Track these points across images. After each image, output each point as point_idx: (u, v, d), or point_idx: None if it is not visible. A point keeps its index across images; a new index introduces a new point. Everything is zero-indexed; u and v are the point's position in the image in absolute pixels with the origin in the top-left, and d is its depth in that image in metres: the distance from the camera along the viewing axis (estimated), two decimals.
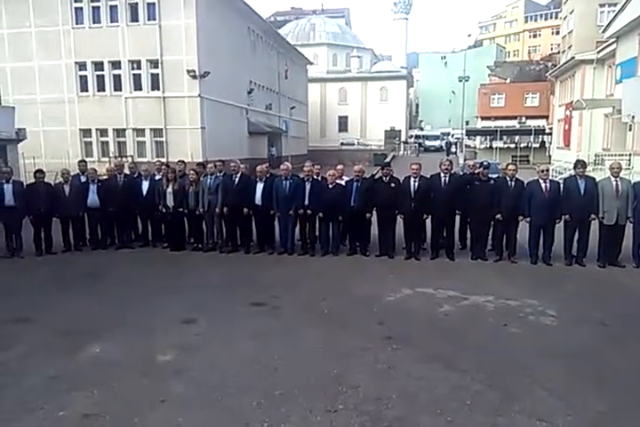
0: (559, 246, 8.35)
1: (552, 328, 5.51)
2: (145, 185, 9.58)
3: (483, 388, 4.14)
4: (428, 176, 8.68)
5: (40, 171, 9.42)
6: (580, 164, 8.36)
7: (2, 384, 4.29)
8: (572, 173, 8.89)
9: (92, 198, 9.32)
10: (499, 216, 8.34)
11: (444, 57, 64.97)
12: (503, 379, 4.31)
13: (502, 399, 3.96)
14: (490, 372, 4.43)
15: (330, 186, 8.87)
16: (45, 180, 9.38)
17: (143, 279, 7.68)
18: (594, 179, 8.33)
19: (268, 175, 9.13)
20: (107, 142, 23.03)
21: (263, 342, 5.15)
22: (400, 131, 51.75)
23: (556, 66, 34.29)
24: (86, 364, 4.68)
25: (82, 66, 22.54)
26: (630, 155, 18.54)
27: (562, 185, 8.43)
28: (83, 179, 9.59)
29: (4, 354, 4.91)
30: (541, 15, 71.49)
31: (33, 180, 9.41)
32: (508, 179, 8.41)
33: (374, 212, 8.85)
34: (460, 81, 41.37)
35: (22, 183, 9.66)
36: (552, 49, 59.36)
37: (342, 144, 45.16)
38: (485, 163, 9.06)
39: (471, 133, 43.33)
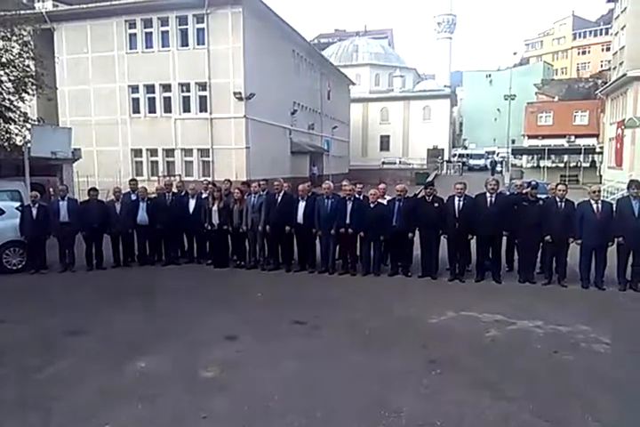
0: (612, 270, 8.00)
1: (605, 356, 5.24)
2: (192, 203, 9.85)
3: (531, 418, 3.97)
4: (473, 196, 8.55)
5: (93, 189, 9.88)
6: (634, 184, 8.03)
7: (55, 395, 4.45)
8: (626, 193, 8.56)
9: (142, 216, 9.65)
10: (548, 238, 8.08)
11: (489, 75, 64.23)
12: (553, 408, 4.12)
13: None
14: (539, 401, 4.24)
15: (371, 205, 8.85)
16: (98, 197, 9.81)
17: (188, 295, 7.84)
18: None
19: (309, 194, 9.22)
20: (156, 162, 23.86)
21: (304, 361, 5.13)
22: (443, 149, 51.19)
23: (606, 83, 33.33)
24: (133, 377, 4.80)
25: (134, 89, 23.59)
26: None
27: (614, 206, 8.11)
28: (133, 197, 9.97)
29: (59, 365, 5.11)
30: (590, 31, 69.94)
31: (87, 197, 9.86)
32: (557, 199, 8.16)
33: (417, 232, 8.76)
34: (506, 99, 40.76)
35: (77, 201, 10.15)
36: (602, 66, 57.87)
37: (384, 163, 45.07)
38: (534, 183, 8.84)
39: (517, 152, 42.37)
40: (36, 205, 9.32)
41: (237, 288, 8.33)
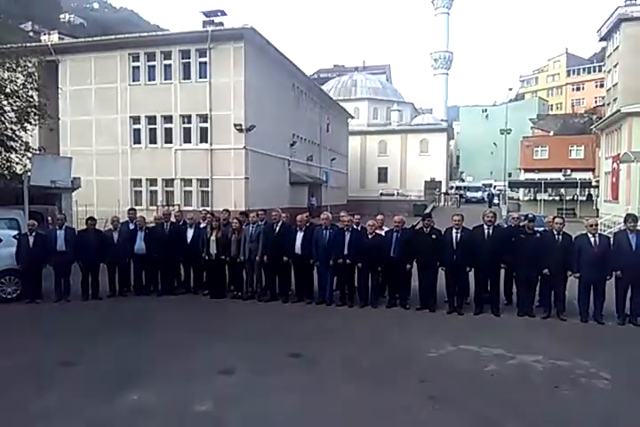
0: (611, 304, 7.94)
1: (606, 392, 5.15)
2: (190, 233, 9.85)
3: None
4: (471, 228, 8.57)
5: (92, 218, 9.88)
6: (630, 218, 8.08)
7: None
8: (622, 227, 8.59)
9: (139, 245, 9.63)
10: (546, 271, 8.06)
11: (485, 110, 65.62)
12: None
13: None
14: None
15: (369, 236, 8.86)
16: (96, 226, 9.80)
17: (183, 327, 7.73)
18: None
19: (307, 224, 9.24)
20: (155, 191, 23.97)
21: (300, 396, 5.02)
22: (440, 182, 51.64)
23: (600, 118, 34.00)
24: (124, 411, 4.68)
25: (136, 120, 23.94)
26: None
27: (612, 240, 8.13)
28: (131, 226, 9.97)
29: (48, 397, 4.99)
30: (584, 69, 71.87)
31: (84, 226, 9.84)
32: (554, 232, 8.18)
33: (415, 263, 8.73)
34: (502, 133, 41.39)
35: (74, 230, 10.13)
36: (596, 102, 59.19)
37: (382, 194, 45.36)
38: (531, 215, 8.87)
39: (514, 185, 42.78)
40: (33, 234, 9.30)
41: (234, 320, 8.22)
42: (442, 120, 60.93)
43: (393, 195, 45.62)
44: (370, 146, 53.49)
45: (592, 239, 7.94)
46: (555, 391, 5.14)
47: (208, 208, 17.74)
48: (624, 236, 7.96)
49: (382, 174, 53.52)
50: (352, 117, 45.87)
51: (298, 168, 29.96)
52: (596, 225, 8.36)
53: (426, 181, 50.69)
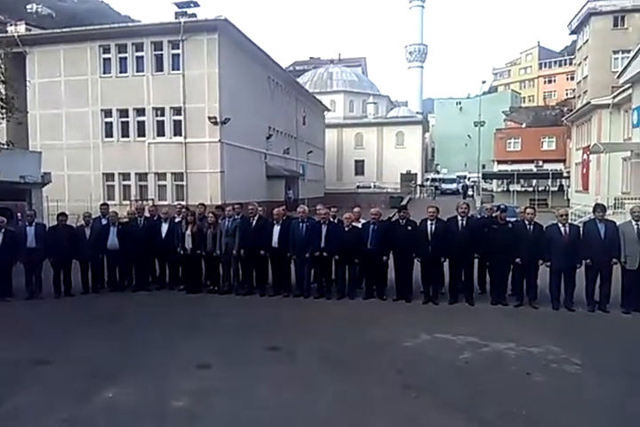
0: (581, 292, 8.16)
1: (577, 377, 5.29)
2: (164, 227, 9.72)
3: None
4: (445, 219, 8.67)
5: (63, 214, 9.66)
6: (599, 207, 8.29)
7: None
8: (592, 216, 8.81)
9: (112, 240, 9.47)
10: (518, 260, 8.23)
11: (459, 102, 66.20)
12: None
13: None
14: (513, 423, 4.24)
15: (346, 229, 8.89)
16: (68, 222, 9.59)
17: (159, 322, 7.65)
18: (614, 223, 8.20)
19: (284, 218, 9.22)
20: (129, 186, 23.58)
21: (278, 389, 5.03)
22: (416, 174, 52.12)
23: (571, 111, 34.68)
24: (100, 408, 4.62)
25: (107, 113, 23.46)
26: None
27: (581, 229, 8.32)
28: (104, 221, 9.78)
29: (22, 396, 4.88)
30: (555, 62, 73.06)
31: (55, 222, 9.63)
32: (526, 223, 8.35)
33: (391, 255, 8.81)
34: (476, 126, 41.88)
35: (45, 226, 9.91)
36: (567, 94, 60.26)
37: (358, 187, 45.54)
38: (502, 206, 9.04)
39: (488, 177, 43.40)
40: (3, 231, 9.05)
41: (210, 314, 8.17)
42: (417, 113, 61.36)
43: (370, 187, 45.82)
44: (346, 139, 53.55)
45: (562, 229, 8.12)
46: (527, 378, 5.26)
47: (183, 202, 17.56)
48: (593, 225, 8.16)
49: (359, 167, 53.69)
50: (328, 110, 45.82)
51: (274, 161, 29.82)
52: (567, 215, 8.56)
53: (402, 174, 51.08)
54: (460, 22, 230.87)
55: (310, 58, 75.75)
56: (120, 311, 8.32)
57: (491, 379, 5.26)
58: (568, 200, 32.49)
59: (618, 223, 8.22)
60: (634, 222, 7.95)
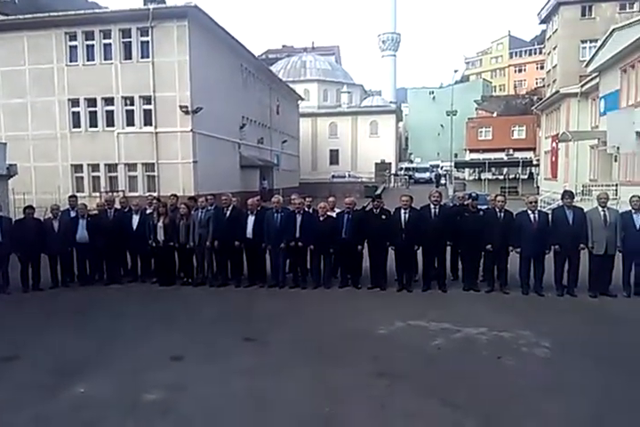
0: (550, 277, 8.35)
1: (547, 361, 5.44)
2: (135, 219, 9.54)
3: (479, 424, 4.04)
4: (419, 208, 8.74)
5: (30, 207, 9.38)
6: (567, 194, 8.47)
7: None
8: (560, 203, 8.99)
9: (82, 233, 9.25)
10: (489, 247, 8.36)
11: (432, 92, 66.61)
12: (499, 414, 4.22)
13: None
14: (485, 407, 4.33)
15: (321, 218, 8.89)
16: (35, 215, 9.32)
17: (131, 315, 7.53)
18: (582, 209, 8.40)
19: (259, 208, 9.15)
20: (98, 177, 23.03)
21: (253, 379, 5.02)
22: (390, 163, 52.40)
23: (541, 99, 35.22)
24: (71, 403, 4.53)
25: (75, 102, 22.78)
26: (617, 185, 18.83)
27: (550, 216, 8.50)
28: (72, 214, 9.54)
29: None
30: (526, 51, 73.98)
31: (22, 215, 9.35)
32: (497, 210, 8.47)
33: (366, 244, 8.85)
34: (448, 115, 42.30)
35: (10, 219, 9.61)
36: (537, 83, 61.22)
37: (333, 177, 45.58)
38: (474, 194, 9.15)
39: (460, 166, 44.04)
40: None
41: (184, 306, 8.09)
42: (391, 102, 61.53)
43: (344, 177, 45.89)
44: (321, 128, 53.40)
45: (532, 216, 8.28)
46: (498, 362, 5.37)
47: (154, 194, 17.29)
48: (561, 212, 8.34)
49: (334, 157, 53.69)
50: (302, 99, 45.49)
51: (248, 151, 29.54)
52: (536, 202, 8.72)
53: (376, 163, 51.29)
54: (432, 11, 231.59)
55: (283, 46, 74.95)
56: (91, 305, 8.17)
57: (463, 364, 5.35)
58: (538, 188, 33.16)
59: (585, 210, 8.42)
60: (600, 209, 8.16)
